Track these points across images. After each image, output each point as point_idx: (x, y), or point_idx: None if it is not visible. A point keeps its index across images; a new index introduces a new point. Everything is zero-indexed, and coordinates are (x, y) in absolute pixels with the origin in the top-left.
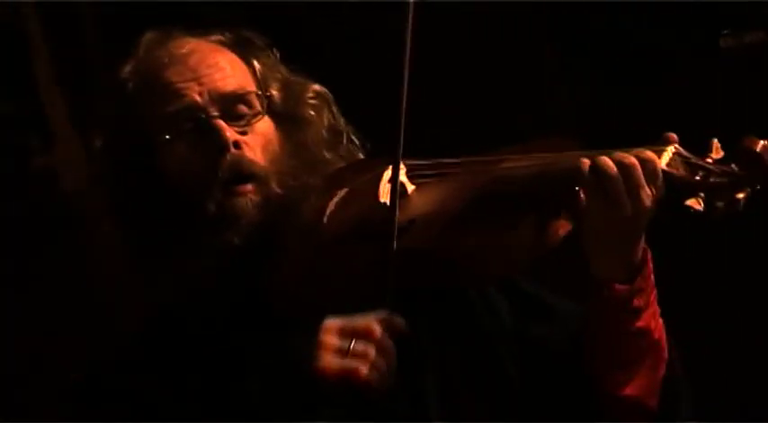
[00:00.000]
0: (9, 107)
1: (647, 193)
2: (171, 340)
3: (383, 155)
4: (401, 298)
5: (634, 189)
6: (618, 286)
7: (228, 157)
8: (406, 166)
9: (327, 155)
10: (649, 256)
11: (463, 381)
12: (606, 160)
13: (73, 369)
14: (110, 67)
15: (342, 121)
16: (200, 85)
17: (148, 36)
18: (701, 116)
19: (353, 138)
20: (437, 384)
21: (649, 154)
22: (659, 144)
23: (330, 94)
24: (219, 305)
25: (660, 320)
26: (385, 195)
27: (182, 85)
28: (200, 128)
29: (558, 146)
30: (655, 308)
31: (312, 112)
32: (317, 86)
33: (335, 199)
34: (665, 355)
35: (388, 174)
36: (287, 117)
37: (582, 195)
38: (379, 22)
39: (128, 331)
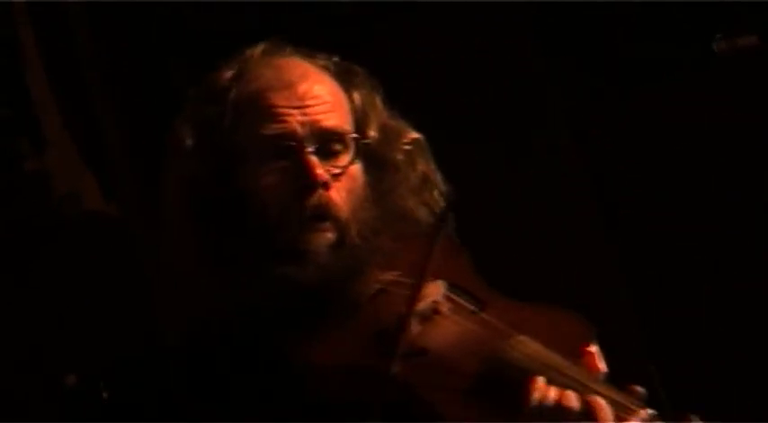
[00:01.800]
0: (2, 111)
1: None
2: (202, 359)
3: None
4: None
5: None
6: None
7: (315, 196)
8: (447, 288)
9: (411, 202)
10: None
11: None
12: (555, 402)
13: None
14: (103, 70)
15: (433, 169)
16: (304, 115)
17: (257, 50)
18: (696, 120)
19: (442, 191)
20: None
21: (608, 412)
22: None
23: (425, 143)
24: (254, 343)
25: None
26: (415, 312)
27: (285, 110)
28: (293, 159)
29: (570, 333)
30: None
31: (403, 158)
32: (413, 133)
33: (382, 284)
34: None
35: (431, 288)
36: (378, 161)
37: None
38: None
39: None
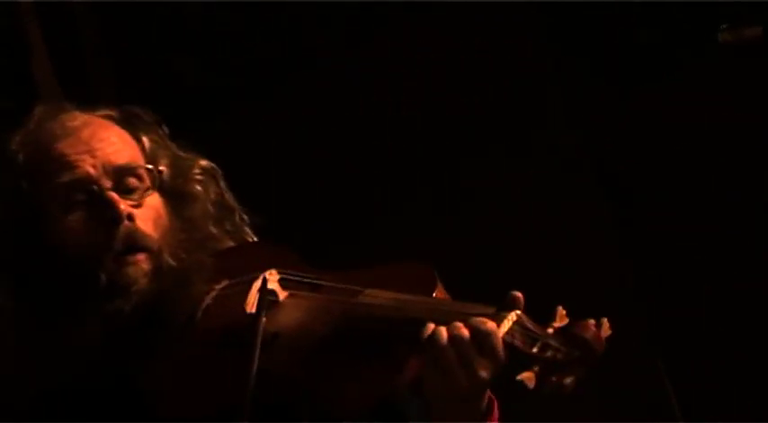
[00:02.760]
0: (7, 103)
1: (484, 366)
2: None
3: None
4: (261, 412)
5: (467, 363)
6: None
7: (122, 228)
8: (279, 273)
9: (214, 230)
10: (495, 404)
11: None
12: (441, 332)
13: None
14: (104, 62)
15: (229, 196)
16: (94, 157)
17: (39, 109)
18: (696, 119)
19: (241, 213)
20: None
21: (490, 326)
22: (504, 307)
23: (218, 170)
24: (100, 382)
25: None
26: (252, 305)
27: (75, 156)
28: (93, 199)
29: (416, 278)
30: None
31: (199, 188)
32: (204, 162)
33: (213, 293)
34: None
35: (259, 281)
36: (175, 193)
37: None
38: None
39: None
